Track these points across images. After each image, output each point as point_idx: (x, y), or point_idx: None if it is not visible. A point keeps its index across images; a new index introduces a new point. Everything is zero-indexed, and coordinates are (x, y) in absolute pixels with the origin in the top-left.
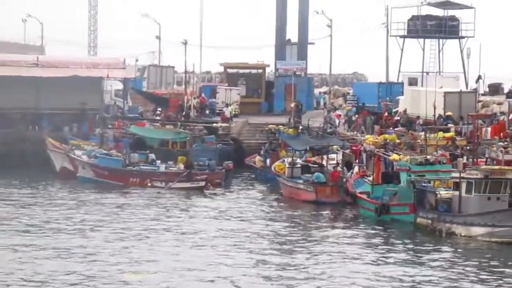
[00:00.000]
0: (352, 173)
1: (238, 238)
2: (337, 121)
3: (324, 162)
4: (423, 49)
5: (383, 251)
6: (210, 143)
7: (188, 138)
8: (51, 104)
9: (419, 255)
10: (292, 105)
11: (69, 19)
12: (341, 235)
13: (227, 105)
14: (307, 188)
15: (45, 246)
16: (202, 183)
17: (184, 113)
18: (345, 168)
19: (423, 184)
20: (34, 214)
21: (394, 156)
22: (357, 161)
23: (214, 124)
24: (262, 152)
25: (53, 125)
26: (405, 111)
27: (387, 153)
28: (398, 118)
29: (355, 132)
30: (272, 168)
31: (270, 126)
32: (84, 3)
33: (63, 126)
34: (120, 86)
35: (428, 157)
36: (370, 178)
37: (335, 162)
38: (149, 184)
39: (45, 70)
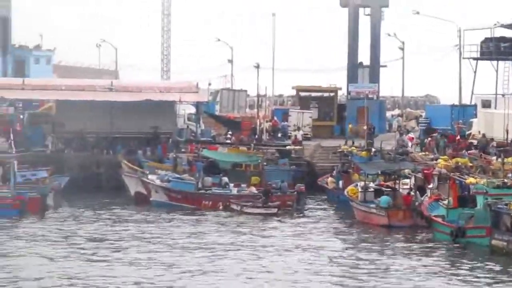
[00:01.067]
0: (426, 196)
1: (310, 260)
2: (409, 144)
3: (397, 186)
4: (497, 71)
5: (459, 274)
6: (283, 165)
7: (259, 161)
8: (124, 128)
9: (494, 277)
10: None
11: (143, 44)
12: (416, 259)
13: (298, 129)
14: (380, 213)
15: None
16: (274, 210)
17: (256, 136)
18: (417, 192)
19: (499, 206)
20: (109, 235)
21: (470, 180)
22: (430, 185)
23: (287, 147)
24: (334, 173)
25: (126, 149)
26: (483, 134)
27: (462, 176)
28: (474, 141)
29: (426, 153)
30: (345, 192)
31: (343, 147)
32: (157, 28)
33: (136, 150)
34: (193, 110)
35: (506, 180)
36: (445, 202)
37: (408, 186)
38: (220, 207)
39: (119, 95)
